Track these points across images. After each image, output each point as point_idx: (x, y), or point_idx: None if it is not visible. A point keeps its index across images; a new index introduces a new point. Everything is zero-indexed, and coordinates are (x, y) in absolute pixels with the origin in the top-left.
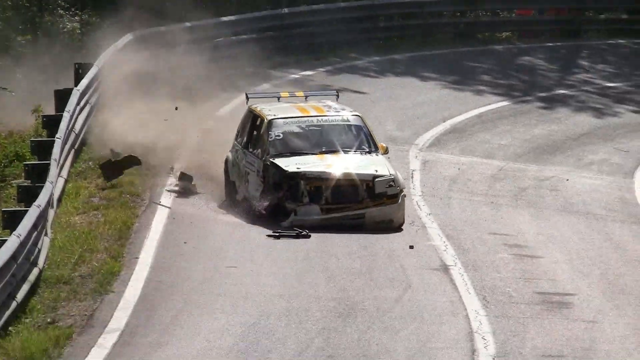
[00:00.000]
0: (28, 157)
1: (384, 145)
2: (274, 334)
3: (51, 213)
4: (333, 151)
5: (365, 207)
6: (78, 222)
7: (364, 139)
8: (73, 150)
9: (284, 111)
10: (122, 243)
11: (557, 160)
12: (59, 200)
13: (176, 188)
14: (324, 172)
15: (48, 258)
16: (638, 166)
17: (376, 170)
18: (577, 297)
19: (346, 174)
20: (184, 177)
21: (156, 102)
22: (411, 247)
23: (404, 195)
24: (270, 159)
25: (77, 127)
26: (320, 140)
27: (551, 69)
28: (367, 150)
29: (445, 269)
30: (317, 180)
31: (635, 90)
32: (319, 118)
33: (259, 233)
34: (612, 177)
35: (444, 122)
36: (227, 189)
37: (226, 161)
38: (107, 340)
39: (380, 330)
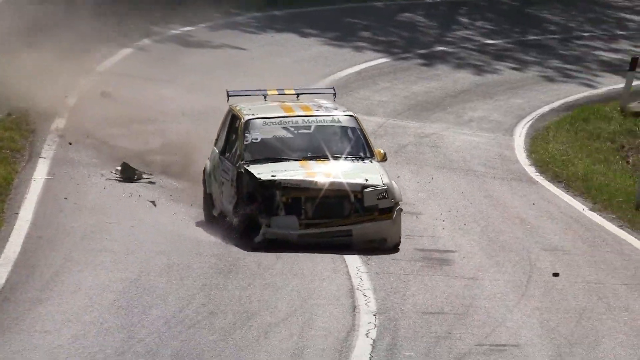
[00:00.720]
0: None
1: (382, 151)
2: (155, 290)
3: None
4: (319, 157)
5: (353, 223)
6: None
7: (357, 143)
8: None
9: (267, 111)
10: (1, 199)
11: (436, 117)
12: None
13: (117, 176)
14: (304, 180)
15: None
16: (517, 123)
17: (366, 180)
18: (458, 254)
19: (331, 183)
20: (127, 170)
21: (40, 54)
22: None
23: (400, 210)
24: (245, 166)
25: None
26: (305, 144)
27: (430, 26)
28: (361, 156)
29: None
30: (295, 191)
31: (514, 47)
32: (306, 119)
33: (139, 189)
34: (492, 134)
35: (324, 78)
36: (204, 204)
37: (204, 171)
38: None
39: (261, 286)
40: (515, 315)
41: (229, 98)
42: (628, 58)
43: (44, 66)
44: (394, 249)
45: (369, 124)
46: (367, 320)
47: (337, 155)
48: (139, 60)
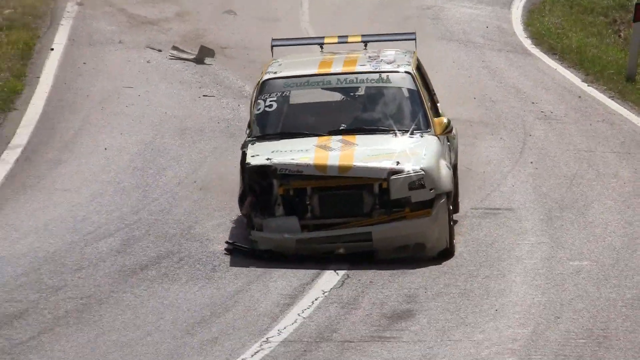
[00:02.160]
0: None
1: (445, 120)
2: (169, 152)
3: None
4: (351, 131)
5: (375, 223)
6: None
7: (407, 111)
8: None
9: (297, 67)
10: (24, 63)
11: None
12: None
13: (186, 56)
14: (307, 165)
15: None
16: None
17: (397, 163)
18: (455, 122)
19: (343, 168)
20: (204, 51)
21: None
22: None
23: (445, 203)
24: (249, 144)
25: None
26: (335, 113)
27: None
28: (409, 128)
29: None
30: (296, 179)
31: None
32: (343, 77)
33: (156, 55)
34: (491, 7)
35: None
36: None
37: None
38: (9, 155)
39: None
40: (509, 180)
41: (272, 50)
42: None
43: None
44: (439, 256)
45: None
46: None
47: (377, 127)
48: None
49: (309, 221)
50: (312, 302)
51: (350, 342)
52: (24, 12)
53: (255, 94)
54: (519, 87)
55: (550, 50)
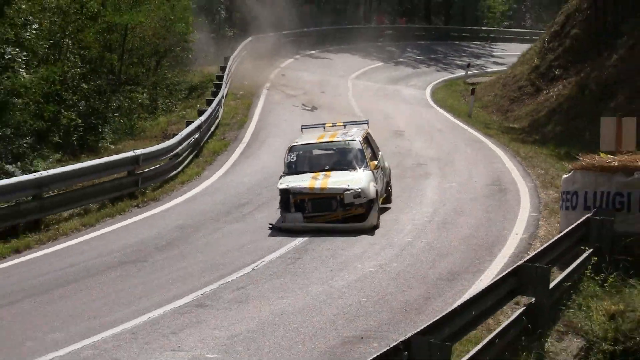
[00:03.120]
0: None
1: (375, 162)
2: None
3: (221, 100)
4: (327, 170)
5: (339, 215)
6: (232, 104)
7: (355, 159)
8: (229, 80)
9: (308, 138)
10: (245, 112)
11: (398, 84)
12: (225, 96)
13: (306, 108)
14: (305, 187)
15: (221, 116)
16: (427, 86)
17: (348, 185)
18: (409, 130)
19: (322, 189)
20: (314, 107)
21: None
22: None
23: (372, 201)
24: (281, 177)
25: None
26: (321, 161)
27: (392, 51)
28: (357, 167)
29: None
30: (300, 195)
31: (427, 59)
32: (327, 143)
33: (298, 108)
34: (419, 90)
35: (354, 72)
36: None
37: None
38: (242, 144)
39: None
40: (417, 143)
41: (302, 130)
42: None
43: (257, 66)
44: (371, 230)
45: (373, 87)
46: None
47: (339, 167)
48: (296, 63)
49: (307, 214)
50: (293, 246)
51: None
52: (246, 92)
53: (286, 152)
54: (428, 118)
55: (442, 106)
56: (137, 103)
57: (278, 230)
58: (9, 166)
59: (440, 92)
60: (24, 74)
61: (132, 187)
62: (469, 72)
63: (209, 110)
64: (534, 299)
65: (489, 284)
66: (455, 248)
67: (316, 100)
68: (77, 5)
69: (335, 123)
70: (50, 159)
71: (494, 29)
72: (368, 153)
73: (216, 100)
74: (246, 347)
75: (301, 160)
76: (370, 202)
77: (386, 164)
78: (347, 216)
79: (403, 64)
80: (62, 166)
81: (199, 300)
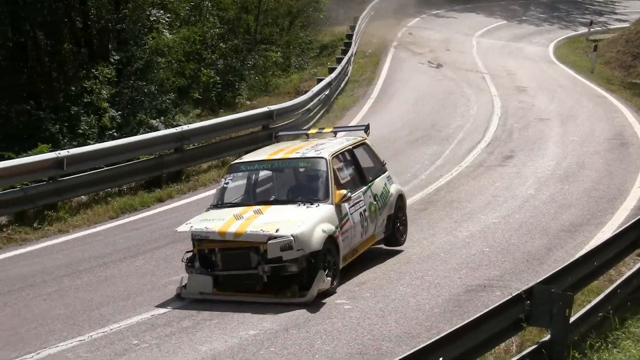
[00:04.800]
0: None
1: (343, 192)
2: (428, 100)
3: (351, 58)
4: (266, 202)
5: (263, 276)
6: (361, 62)
7: (315, 187)
8: (358, 39)
9: (259, 154)
10: (373, 69)
11: (522, 42)
12: (354, 54)
13: (434, 65)
14: (213, 232)
15: (350, 73)
16: (549, 44)
17: (277, 230)
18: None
19: (237, 235)
20: (439, 64)
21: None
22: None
23: (315, 256)
24: (205, 211)
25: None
26: (264, 189)
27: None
28: (313, 199)
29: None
30: (206, 242)
31: (550, 18)
32: (280, 161)
33: (425, 65)
34: (541, 47)
35: (478, 31)
36: None
37: None
38: (370, 100)
39: None
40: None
41: (278, 139)
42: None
43: (385, 25)
44: (307, 303)
45: (496, 44)
46: None
47: (286, 199)
48: (422, 22)
49: (218, 272)
50: (419, 197)
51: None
52: (375, 50)
53: (224, 172)
54: (550, 74)
55: (563, 62)
56: (272, 61)
57: (179, 298)
58: (153, 121)
59: (562, 49)
60: (167, 34)
61: (266, 141)
62: (591, 29)
63: (339, 67)
64: None
65: (610, 236)
66: (577, 200)
67: (441, 57)
68: None
69: (322, 129)
70: (191, 114)
71: None
72: (344, 176)
73: (346, 58)
74: (373, 294)
75: (238, 186)
76: (312, 258)
77: (392, 189)
78: (276, 278)
79: (526, 22)
80: (201, 121)
81: None
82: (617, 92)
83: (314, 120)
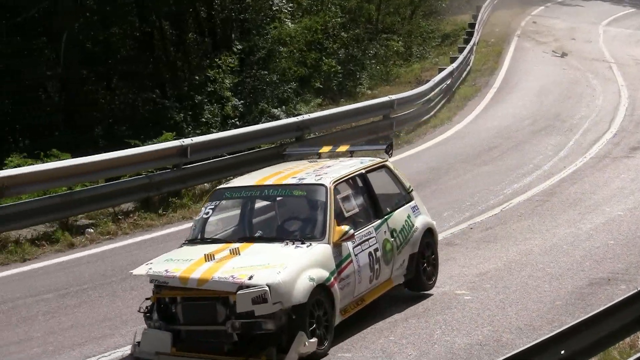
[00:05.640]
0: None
1: (344, 228)
2: (552, 91)
3: (473, 47)
4: (249, 239)
5: (232, 334)
6: (483, 51)
7: (307, 222)
8: (481, 29)
9: (251, 177)
10: (496, 60)
11: None
12: (476, 43)
13: (558, 55)
14: (174, 277)
15: (472, 63)
16: None
17: (250, 277)
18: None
19: (201, 282)
20: (564, 54)
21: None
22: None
23: (300, 311)
24: (177, 247)
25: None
26: (249, 221)
27: None
28: (304, 237)
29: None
30: (166, 289)
31: None
32: (270, 189)
33: (548, 55)
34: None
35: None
36: None
37: None
38: (492, 90)
39: None
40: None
41: (284, 158)
42: None
43: (508, 14)
44: None
45: (624, 32)
46: None
47: (277, 236)
48: (546, 11)
49: (179, 326)
50: (541, 189)
51: None
52: (497, 39)
53: (204, 201)
54: None
55: None
56: (393, 51)
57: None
58: (274, 110)
59: None
60: (290, 23)
61: (386, 130)
62: None
63: (461, 57)
64: None
65: None
66: None
67: (566, 46)
68: None
69: (336, 147)
70: (312, 103)
71: None
72: (350, 207)
73: (468, 47)
74: (494, 285)
75: (218, 218)
76: (294, 314)
77: (418, 222)
78: (248, 337)
79: None
80: (322, 110)
81: (449, 239)
82: None
83: (435, 109)
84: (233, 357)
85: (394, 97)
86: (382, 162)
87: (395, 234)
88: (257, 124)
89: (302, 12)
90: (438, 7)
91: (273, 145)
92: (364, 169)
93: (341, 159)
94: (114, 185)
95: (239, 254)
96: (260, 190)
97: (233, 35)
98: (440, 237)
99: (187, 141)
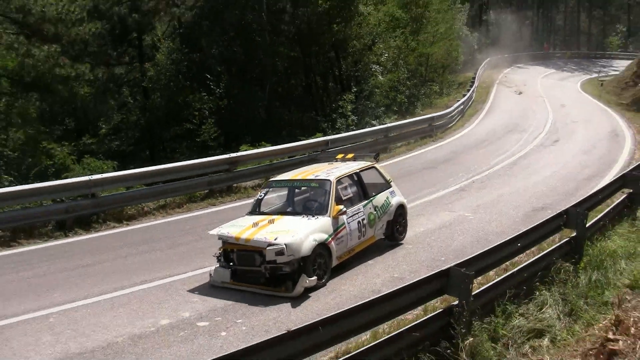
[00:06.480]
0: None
1: (340, 207)
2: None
3: (474, 89)
4: (283, 213)
5: (266, 273)
6: (479, 91)
7: (317, 203)
8: (478, 80)
9: (289, 174)
10: (486, 95)
11: None
12: (476, 87)
13: (514, 90)
14: (231, 236)
15: (474, 97)
16: (580, 80)
17: (275, 238)
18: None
19: (247, 241)
20: (521, 91)
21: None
22: None
23: (305, 261)
24: (242, 215)
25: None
26: (282, 202)
27: None
28: (315, 213)
29: None
30: (228, 244)
31: None
32: (297, 182)
33: (512, 92)
34: (572, 82)
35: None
36: None
37: None
38: (484, 111)
39: None
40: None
41: (317, 160)
42: None
43: (492, 72)
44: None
45: (549, 82)
46: None
47: (295, 212)
48: (511, 70)
49: (235, 267)
50: (511, 160)
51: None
52: (486, 85)
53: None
54: (578, 97)
55: (584, 91)
56: (433, 90)
57: (211, 287)
58: (373, 121)
59: (585, 85)
60: (380, 77)
61: (429, 132)
62: (600, 75)
63: (468, 94)
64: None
65: (608, 182)
66: (593, 163)
67: (521, 89)
68: (405, 44)
69: (345, 155)
70: (392, 117)
71: (614, 53)
72: (346, 193)
73: (471, 89)
74: (486, 210)
75: (268, 199)
76: (301, 262)
77: (393, 201)
78: (274, 275)
79: (566, 70)
80: (397, 121)
81: (462, 187)
82: (613, 108)
83: (454, 121)
84: (266, 287)
85: (434, 114)
86: (372, 164)
87: (377, 209)
88: (365, 128)
89: (387, 71)
90: (456, 69)
91: (372, 140)
92: (358, 169)
93: (347, 163)
94: (285, 161)
95: (274, 223)
96: (292, 182)
97: (352, 84)
98: (455, 186)
99: (329, 137)
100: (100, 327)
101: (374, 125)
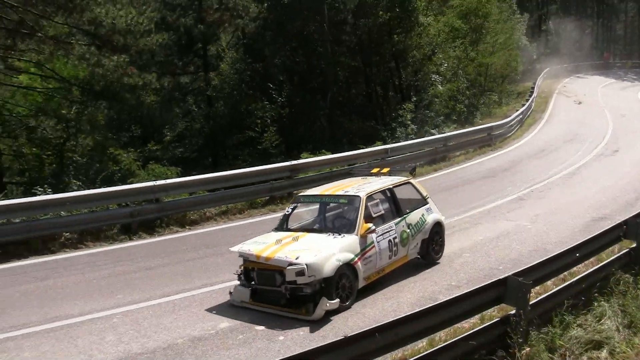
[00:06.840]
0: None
1: (369, 225)
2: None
3: (533, 98)
4: (308, 230)
5: (286, 293)
6: (538, 100)
7: (345, 220)
8: (537, 89)
9: (318, 189)
10: (545, 105)
11: None
12: (535, 97)
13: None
14: (252, 254)
15: (533, 106)
16: None
17: (297, 257)
18: None
19: (267, 259)
20: (580, 100)
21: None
22: None
23: (328, 282)
24: (269, 232)
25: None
26: (310, 219)
27: None
28: (342, 231)
29: None
30: (248, 262)
31: None
32: (327, 197)
33: (572, 101)
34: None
35: None
36: None
37: None
38: (543, 120)
39: None
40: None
41: (351, 174)
42: None
43: (551, 82)
44: (314, 320)
45: (610, 91)
46: None
47: (322, 229)
48: (571, 80)
49: (255, 286)
50: (575, 168)
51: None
52: (546, 94)
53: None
54: (639, 107)
55: None
56: (492, 100)
57: (230, 306)
58: (433, 130)
59: None
60: (440, 87)
61: (488, 142)
62: None
63: (527, 104)
64: None
65: None
66: None
67: (581, 98)
68: (464, 54)
69: (381, 170)
70: (451, 127)
71: None
72: (377, 210)
73: (531, 99)
74: (544, 220)
75: (296, 214)
76: (323, 283)
77: (429, 218)
78: (295, 296)
79: (627, 80)
80: (456, 130)
81: (520, 196)
82: None
83: (514, 130)
84: (286, 308)
85: (492, 124)
86: (407, 179)
87: (411, 227)
88: (423, 137)
89: (446, 81)
90: (515, 79)
91: (431, 149)
92: (392, 184)
93: (382, 177)
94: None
95: (297, 240)
96: (321, 198)
97: (412, 93)
98: (513, 195)
99: (389, 146)
100: (161, 329)
101: (433, 135)
